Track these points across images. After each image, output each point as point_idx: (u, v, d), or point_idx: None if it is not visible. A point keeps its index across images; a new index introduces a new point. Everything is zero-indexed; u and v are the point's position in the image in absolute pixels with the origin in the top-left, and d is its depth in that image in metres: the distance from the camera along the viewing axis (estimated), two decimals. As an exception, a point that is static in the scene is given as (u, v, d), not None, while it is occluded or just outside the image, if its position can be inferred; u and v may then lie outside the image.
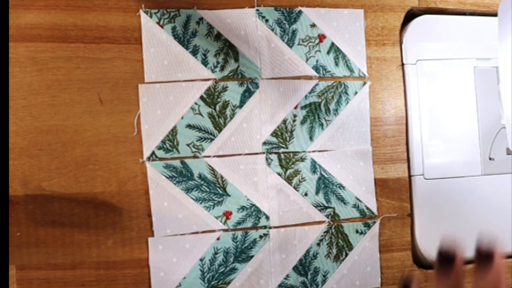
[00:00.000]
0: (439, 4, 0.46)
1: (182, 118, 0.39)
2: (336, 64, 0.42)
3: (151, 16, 0.38)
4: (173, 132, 0.39)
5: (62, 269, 0.37)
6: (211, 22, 0.40)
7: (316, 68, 0.42)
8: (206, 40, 0.39)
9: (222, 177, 0.40)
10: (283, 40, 0.41)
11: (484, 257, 0.29)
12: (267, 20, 0.41)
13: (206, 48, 0.40)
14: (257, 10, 0.40)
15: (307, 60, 0.41)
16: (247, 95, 0.40)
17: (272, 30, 0.41)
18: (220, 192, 0.40)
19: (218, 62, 0.40)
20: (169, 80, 0.39)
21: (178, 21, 0.39)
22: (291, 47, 0.41)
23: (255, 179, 0.41)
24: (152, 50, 0.39)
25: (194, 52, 0.39)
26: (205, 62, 0.40)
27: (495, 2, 0.47)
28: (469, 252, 0.45)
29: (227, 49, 0.40)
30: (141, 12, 0.38)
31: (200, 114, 0.40)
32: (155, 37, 0.39)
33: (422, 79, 0.44)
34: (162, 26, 0.39)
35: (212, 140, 0.40)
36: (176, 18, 0.39)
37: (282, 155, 0.41)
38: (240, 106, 0.40)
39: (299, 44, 0.41)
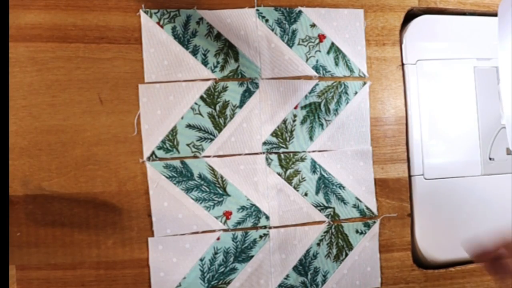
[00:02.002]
0: (439, 4, 0.46)
1: (182, 118, 0.39)
2: (336, 64, 0.42)
3: (151, 16, 0.38)
4: (173, 132, 0.39)
5: (62, 269, 0.37)
6: (211, 22, 0.39)
7: (316, 68, 0.42)
8: (206, 40, 0.39)
9: (222, 177, 0.40)
10: (283, 40, 0.41)
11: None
12: (267, 20, 0.40)
13: (206, 48, 0.40)
14: (257, 10, 0.40)
15: (307, 60, 0.41)
16: (247, 95, 0.40)
17: (272, 30, 0.41)
18: (220, 192, 0.40)
19: (218, 62, 0.40)
20: (169, 80, 0.39)
21: (178, 21, 0.39)
22: (291, 47, 0.41)
23: (255, 179, 0.41)
24: (152, 50, 0.38)
25: (194, 52, 0.39)
26: (205, 62, 0.40)
27: (495, 2, 0.47)
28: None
29: (227, 49, 0.40)
30: (141, 12, 0.38)
31: (200, 114, 0.40)
32: (155, 37, 0.39)
33: (422, 79, 0.44)
34: (162, 26, 0.39)
35: (212, 140, 0.40)
36: (176, 18, 0.39)
37: (282, 155, 0.41)
38: (240, 106, 0.40)
39: (299, 44, 0.41)
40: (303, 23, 0.41)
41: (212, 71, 0.40)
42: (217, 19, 0.39)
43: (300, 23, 0.41)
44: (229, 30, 0.40)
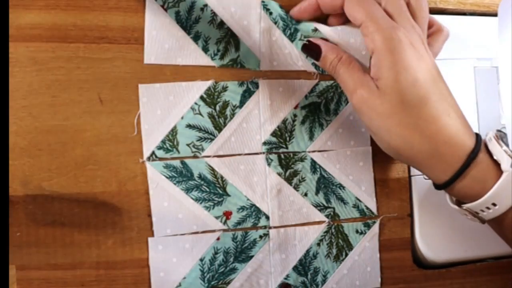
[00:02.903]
0: (439, 4, 0.46)
1: (182, 118, 0.39)
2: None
3: None
4: (173, 132, 0.39)
5: (62, 269, 0.37)
6: (215, 9, 0.39)
7: (316, 65, 0.41)
8: (208, 27, 0.39)
9: (222, 177, 0.40)
10: (285, 34, 0.40)
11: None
12: (271, 13, 0.40)
13: (208, 35, 0.39)
14: (263, 1, 0.40)
15: (307, 56, 0.41)
16: (247, 95, 0.40)
17: (275, 23, 0.40)
18: (220, 192, 0.40)
19: (218, 50, 0.40)
20: (168, 63, 0.39)
21: (182, 6, 0.38)
22: (292, 41, 0.41)
23: (255, 179, 0.41)
24: (154, 32, 0.38)
25: (196, 38, 0.39)
26: (205, 49, 0.39)
27: (495, 2, 0.47)
28: (469, 253, 0.45)
29: (229, 38, 0.40)
30: None
31: (200, 114, 0.40)
32: (158, 20, 0.38)
33: (422, 79, 0.44)
34: (166, 10, 0.38)
35: (212, 140, 0.40)
36: (180, 3, 0.38)
37: (282, 155, 0.41)
38: (240, 106, 0.40)
39: (300, 39, 0.40)
40: (305, 26, 0.40)
41: (212, 58, 0.39)
42: (221, 7, 0.39)
43: (302, 25, 0.40)
44: (232, 19, 0.39)
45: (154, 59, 0.38)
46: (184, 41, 0.39)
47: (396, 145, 0.35)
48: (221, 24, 0.39)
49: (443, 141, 0.33)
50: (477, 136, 0.35)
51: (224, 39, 0.40)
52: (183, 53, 0.39)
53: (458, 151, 0.34)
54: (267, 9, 0.40)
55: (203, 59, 0.39)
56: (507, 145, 0.34)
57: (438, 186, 0.36)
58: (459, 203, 0.37)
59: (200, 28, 0.39)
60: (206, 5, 0.39)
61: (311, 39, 0.38)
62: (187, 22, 0.39)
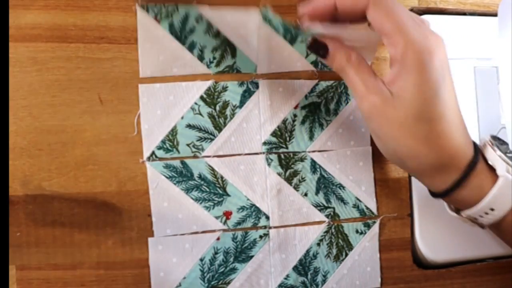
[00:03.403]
0: (439, 4, 0.46)
1: (182, 118, 0.39)
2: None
3: (147, 11, 0.38)
4: (173, 132, 0.39)
5: (62, 269, 0.37)
6: (211, 19, 0.39)
7: (315, 64, 0.41)
8: (204, 37, 0.39)
9: (222, 177, 0.40)
10: (285, 38, 0.40)
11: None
12: (269, 21, 0.40)
13: (204, 44, 0.39)
14: (260, 10, 0.40)
15: (307, 56, 0.41)
16: (247, 95, 0.40)
17: (275, 29, 0.40)
18: (220, 192, 0.40)
19: (214, 58, 0.40)
20: (164, 75, 0.39)
21: (175, 17, 0.38)
22: (292, 44, 0.41)
23: (255, 179, 0.41)
24: (147, 45, 0.38)
25: (191, 48, 0.39)
26: (201, 57, 0.39)
27: (495, 2, 0.47)
28: (469, 253, 0.45)
29: (225, 46, 0.40)
30: (137, 7, 0.38)
31: (200, 114, 0.40)
32: (151, 32, 0.38)
33: (422, 79, 0.44)
34: (159, 21, 0.38)
35: (212, 140, 0.40)
36: (174, 14, 0.38)
37: (282, 155, 0.41)
38: (240, 106, 0.40)
39: (301, 41, 0.40)
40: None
41: (208, 66, 0.39)
42: (217, 16, 0.39)
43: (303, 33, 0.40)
44: (228, 27, 0.39)
45: (150, 73, 0.38)
46: (179, 52, 0.39)
47: (401, 154, 0.34)
48: (217, 33, 0.39)
49: (448, 155, 0.33)
50: (475, 145, 0.35)
51: (221, 48, 0.40)
52: (179, 64, 0.39)
53: (459, 162, 0.33)
54: (265, 17, 0.40)
55: (199, 68, 0.39)
56: (501, 150, 0.34)
57: (435, 195, 0.36)
58: (457, 210, 0.37)
59: (196, 37, 0.39)
60: (201, 16, 0.39)
61: (316, 37, 0.37)
62: (182, 33, 0.39)
